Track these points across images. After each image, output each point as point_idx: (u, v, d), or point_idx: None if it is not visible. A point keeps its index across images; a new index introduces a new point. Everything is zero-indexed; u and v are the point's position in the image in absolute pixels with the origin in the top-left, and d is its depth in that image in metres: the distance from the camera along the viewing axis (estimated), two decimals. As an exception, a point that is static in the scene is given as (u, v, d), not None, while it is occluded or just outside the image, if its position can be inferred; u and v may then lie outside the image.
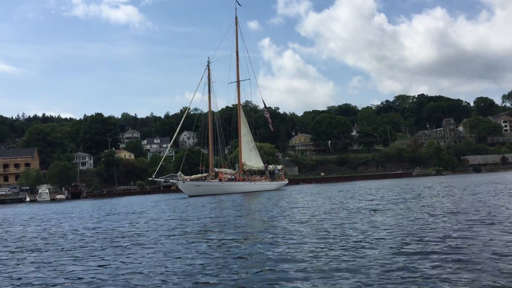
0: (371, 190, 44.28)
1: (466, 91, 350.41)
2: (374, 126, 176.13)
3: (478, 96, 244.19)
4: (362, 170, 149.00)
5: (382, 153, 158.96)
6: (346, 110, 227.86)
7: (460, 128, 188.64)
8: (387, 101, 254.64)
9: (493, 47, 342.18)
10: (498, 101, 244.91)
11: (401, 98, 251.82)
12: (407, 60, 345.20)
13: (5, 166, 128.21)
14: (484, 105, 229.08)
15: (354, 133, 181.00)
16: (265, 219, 18.59)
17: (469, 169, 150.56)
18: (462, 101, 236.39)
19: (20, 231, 20.99)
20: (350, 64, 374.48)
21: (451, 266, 7.79)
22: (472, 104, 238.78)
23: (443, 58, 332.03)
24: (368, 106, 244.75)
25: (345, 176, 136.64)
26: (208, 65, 66.98)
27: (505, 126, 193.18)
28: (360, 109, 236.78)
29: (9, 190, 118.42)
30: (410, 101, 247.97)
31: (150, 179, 64.14)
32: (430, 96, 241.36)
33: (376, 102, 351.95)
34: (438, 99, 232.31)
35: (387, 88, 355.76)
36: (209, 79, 67.42)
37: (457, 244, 9.78)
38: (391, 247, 9.87)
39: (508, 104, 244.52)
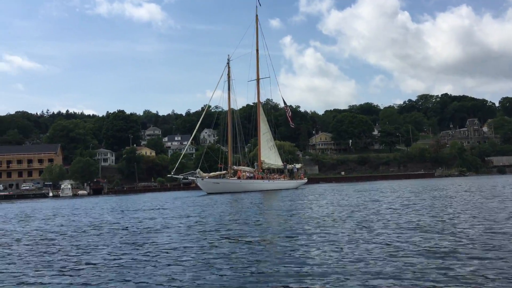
0: (392, 189, 43.61)
1: (492, 91, 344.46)
2: (396, 126, 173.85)
3: (504, 96, 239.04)
4: (383, 170, 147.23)
5: (404, 153, 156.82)
6: (367, 109, 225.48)
7: (485, 129, 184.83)
8: (409, 100, 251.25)
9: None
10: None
11: (424, 98, 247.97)
12: (430, 59, 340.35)
13: (29, 161, 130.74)
14: (510, 105, 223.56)
15: (375, 132, 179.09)
16: (283, 217, 18.42)
17: (493, 170, 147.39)
18: (487, 101, 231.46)
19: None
20: (372, 63, 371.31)
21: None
22: (497, 104, 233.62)
23: (468, 57, 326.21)
24: (390, 106, 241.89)
25: (366, 175, 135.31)
26: (228, 63, 67.02)
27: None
28: (382, 108, 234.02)
29: (33, 185, 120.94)
30: (434, 100, 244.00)
31: (169, 175, 64.51)
32: (454, 96, 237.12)
33: (398, 101, 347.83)
34: (462, 98, 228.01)
35: (410, 87, 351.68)
36: (229, 77, 67.47)
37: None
38: (419, 247, 9.59)
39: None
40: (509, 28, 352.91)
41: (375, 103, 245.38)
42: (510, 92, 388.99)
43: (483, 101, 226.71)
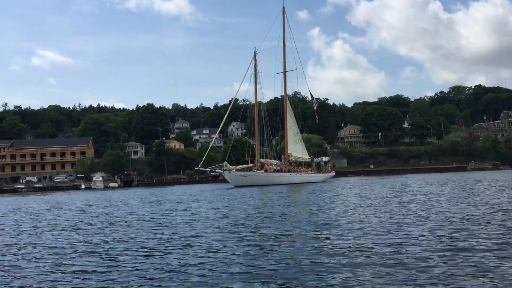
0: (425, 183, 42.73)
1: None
2: (427, 118, 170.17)
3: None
4: (414, 163, 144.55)
5: (435, 146, 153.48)
6: (397, 102, 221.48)
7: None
8: (441, 92, 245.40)
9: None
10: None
11: (457, 89, 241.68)
12: (463, 50, 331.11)
13: (62, 154, 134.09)
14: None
15: (405, 125, 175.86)
16: (310, 210, 18.25)
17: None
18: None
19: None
20: (403, 54, 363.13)
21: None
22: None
23: (502, 47, 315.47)
24: (421, 98, 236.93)
25: (396, 169, 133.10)
26: (254, 56, 66.80)
27: None
28: (412, 100, 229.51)
29: (65, 177, 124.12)
30: (466, 92, 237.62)
31: (196, 168, 65.01)
32: (487, 87, 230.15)
33: (429, 93, 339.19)
34: (496, 90, 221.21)
35: (441, 79, 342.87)
36: (255, 70, 67.25)
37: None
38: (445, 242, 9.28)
39: None
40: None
41: (405, 95, 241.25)
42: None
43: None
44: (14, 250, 11.33)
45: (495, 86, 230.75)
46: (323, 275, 7.23)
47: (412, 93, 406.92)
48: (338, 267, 7.71)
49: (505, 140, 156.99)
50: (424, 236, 10.51)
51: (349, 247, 9.45)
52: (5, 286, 7.54)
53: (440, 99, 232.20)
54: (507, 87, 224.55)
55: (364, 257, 8.43)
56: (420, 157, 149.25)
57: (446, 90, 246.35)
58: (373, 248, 9.27)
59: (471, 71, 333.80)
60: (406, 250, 8.88)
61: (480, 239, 9.70)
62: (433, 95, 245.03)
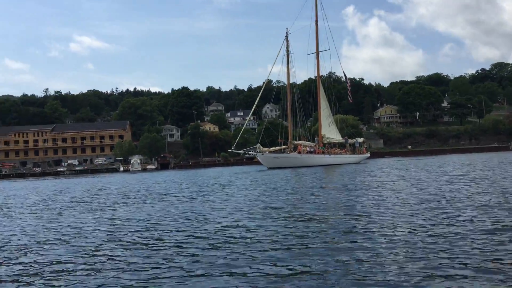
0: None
1: None
2: (467, 97, 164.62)
3: None
4: (453, 144, 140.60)
5: (476, 126, 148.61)
6: (436, 80, 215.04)
7: None
8: (482, 69, 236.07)
9: None
10: None
11: (499, 66, 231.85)
12: (506, 25, 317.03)
13: (101, 138, 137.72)
14: None
15: (445, 104, 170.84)
16: (345, 193, 18.10)
17: None
18: None
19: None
20: (442, 31, 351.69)
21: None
22: None
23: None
24: (461, 76, 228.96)
25: (434, 149, 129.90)
26: (286, 36, 66.11)
27: None
28: (452, 78, 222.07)
29: (105, 160, 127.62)
30: (509, 69, 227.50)
31: (230, 150, 65.39)
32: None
33: (470, 71, 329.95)
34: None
35: (482, 56, 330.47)
36: (287, 51, 66.61)
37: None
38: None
39: None
40: None
41: (444, 74, 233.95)
42: None
43: None
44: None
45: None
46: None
47: (452, 71, 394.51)
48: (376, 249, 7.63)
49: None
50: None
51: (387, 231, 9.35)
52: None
53: (481, 76, 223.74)
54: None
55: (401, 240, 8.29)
56: (460, 137, 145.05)
57: (487, 67, 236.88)
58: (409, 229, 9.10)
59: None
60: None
61: None
62: (474, 72, 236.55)
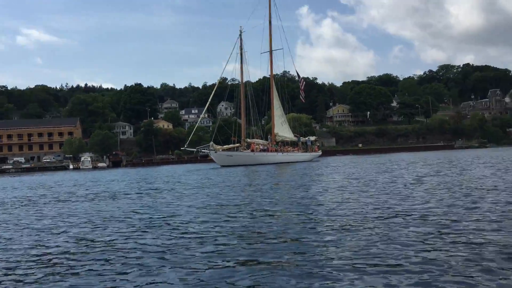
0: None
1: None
2: (415, 97, 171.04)
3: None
4: (402, 142, 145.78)
5: (423, 125, 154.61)
6: (386, 81, 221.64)
7: (507, 99, 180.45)
8: (430, 71, 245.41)
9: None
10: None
11: (445, 68, 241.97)
12: (452, 28, 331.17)
13: (50, 134, 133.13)
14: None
15: (394, 104, 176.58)
16: (295, 189, 18.49)
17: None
18: (510, 71, 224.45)
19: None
20: (392, 33, 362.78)
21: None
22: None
23: (491, 25, 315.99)
24: (410, 76, 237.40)
25: (384, 147, 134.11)
26: (240, 35, 66.35)
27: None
28: (401, 79, 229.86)
29: (53, 158, 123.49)
30: (455, 71, 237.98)
31: (182, 148, 64.92)
32: (476, 66, 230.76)
33: (418, 72, 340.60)
34: (485, 69, 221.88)
35: (430, 58, 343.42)
36: (241, 49, 66.81)
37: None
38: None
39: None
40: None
41: (394, 74, 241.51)
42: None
43: (506, 71, 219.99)
44: None
45: (483, 64, 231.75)
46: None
47: (401, 72, 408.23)
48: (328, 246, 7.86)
49: (492, 118, 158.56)
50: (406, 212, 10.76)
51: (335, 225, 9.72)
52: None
53: (429, 78, 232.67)
54: (495, 66, 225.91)
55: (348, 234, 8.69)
56: (408, 135, 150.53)
57: (434, 69, 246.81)
58: (360, 226, 9.52)
59: (460, 49, 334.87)
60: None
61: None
62: (422, 74, 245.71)
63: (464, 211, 10.73)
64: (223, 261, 7.12)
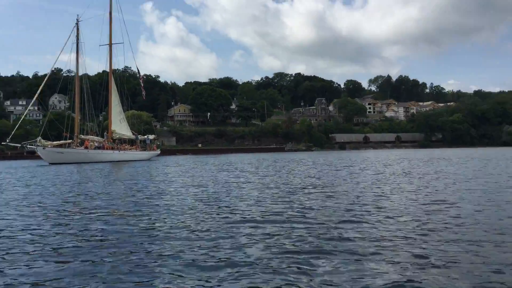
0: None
1: (339, 73, 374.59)
2: (253, 101, 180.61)
3: (348, 79, 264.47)
4: (239, 144, 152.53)
5: (259, 128, 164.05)
6: (227, 84, 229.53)
7: (331, 108, 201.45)
8: (266, 77, 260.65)
9: (365, 34, 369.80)
10: (365, 84, 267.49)
11: (280, 76, 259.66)
12: (287, 39, 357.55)
13: None
14: (353, 87, 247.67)
15: (233, 106, 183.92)
16: (131, 189, 18.40)
17: (335, 146, 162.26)
18: (334, 82, 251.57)
19: None
20: (233, 38, 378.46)
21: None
22: (342, 86, 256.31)
23: (320, 40, 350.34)
24: (248, 81, 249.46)
25: (222, 148, 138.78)
26: (77, 24, 62.61)
27: (369, 108, 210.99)
28: (240, 83, 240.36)
29: None
30: (288, 79, 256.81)
31: (4, 143, 58.56)
32: (306, 76, 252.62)
33: (256, 77, 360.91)
34: (313, 79, 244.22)
35: (267, 65, 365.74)
36: (77, 39, 63.13)
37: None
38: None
39: (373, 88, 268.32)
40: (357, 16, 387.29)
41: (234, 78, 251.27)
42: (353, 75, 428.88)
43: (331, 82, 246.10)
44: None
45: (313, 75, 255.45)
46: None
47: (241, 77, 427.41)
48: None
49: (318, 124, 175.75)
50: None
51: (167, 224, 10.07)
52: None
53: (265, 83, 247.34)
54: (322, 77, 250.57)
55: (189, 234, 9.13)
56: (245, 137, 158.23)
57: (271, 76, 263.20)
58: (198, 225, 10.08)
59: (293, 59, 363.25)
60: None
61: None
62: (259, 79, 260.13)
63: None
64: None
